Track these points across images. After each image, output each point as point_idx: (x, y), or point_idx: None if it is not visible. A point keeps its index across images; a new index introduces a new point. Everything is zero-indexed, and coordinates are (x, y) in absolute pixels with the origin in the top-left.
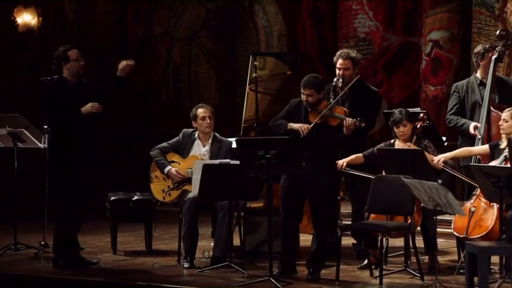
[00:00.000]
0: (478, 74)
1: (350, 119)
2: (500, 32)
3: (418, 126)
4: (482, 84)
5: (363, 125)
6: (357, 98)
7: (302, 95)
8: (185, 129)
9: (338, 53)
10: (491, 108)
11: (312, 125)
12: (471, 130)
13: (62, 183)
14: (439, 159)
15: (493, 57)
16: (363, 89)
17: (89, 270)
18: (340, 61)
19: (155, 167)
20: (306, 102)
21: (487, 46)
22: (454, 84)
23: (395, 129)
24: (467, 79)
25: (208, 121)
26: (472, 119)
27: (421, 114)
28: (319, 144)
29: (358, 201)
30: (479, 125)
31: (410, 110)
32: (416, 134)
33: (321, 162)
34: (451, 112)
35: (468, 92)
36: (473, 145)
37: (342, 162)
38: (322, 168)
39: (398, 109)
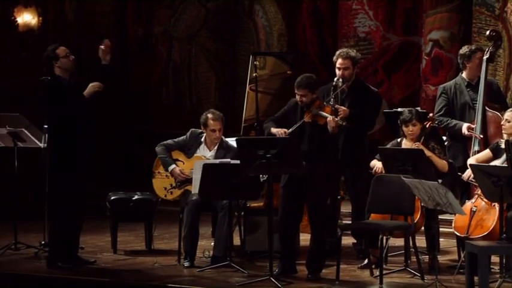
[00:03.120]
0: (464, 75)
1: (332, 117)
2: (490, 32)
3: (427, 126)
4: (469, 85)
5: (344, 123)
6: (357, 98)
7: (296, 95)
8: (193, 129)
9: (337, 52)
10: (487, 108)
11: (289, 130)
12: (464, 131)
13: (60, 183)
14: (468, 175)
15: (485, 58)
16: (362, 89)
17: (89, 270)
18: (339, 60)
19: (159, 163)
20: (301, 102)
21: (473, 48)
22: (441, 86)
23: (404, 128)
24: (454, 80)
25: (217, 134)
26: (462, 120)
27: (431, 114)
28: (312, 143)
29: (358, 201)
30: (472, 125)
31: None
32: (425, 133)
33: (316, 161)
34: (440, 113)
35: (456, 94)
36: (463, 147)
37: (380, 170)
38: (317, 167)
39: (408, 108)
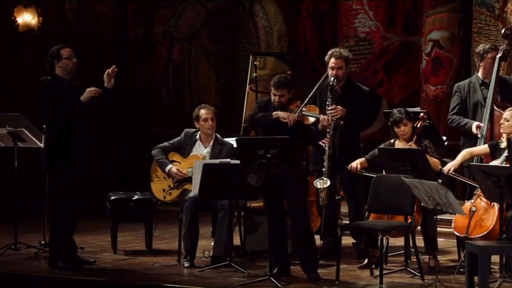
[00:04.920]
0: (480, 74)
1: (325, 116)
2: (505, 31)
3: (418, 125)
4: (483, 84)
5: (341, 122)
6: (350, 97)
7: (273, 96)
8: (187, 129)
9: (330, 52)
10: (495, 107)
11: (297, 114)
12: (473, 129)
13: (59, 183)
14: (449, 168)
15: (498, 56)
16: (354, 88)
17: (89, 270)
18: (332, 60)
19: (156, 166)
20: (278, 102)
21: (487, 47)
22: (456, 84)
23: (395, 129)
24: (469, 79)
25: (210, 123)
26: (474, 118)
27: (421, 114)
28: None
29: (356, 201)
30: (481, 124)
31: (410, 109)
32: (416, 133)
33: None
34: (453, 112)
35: (470, 92)
36: (475, 145)
37: (356, 164)
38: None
39: (397, 109)
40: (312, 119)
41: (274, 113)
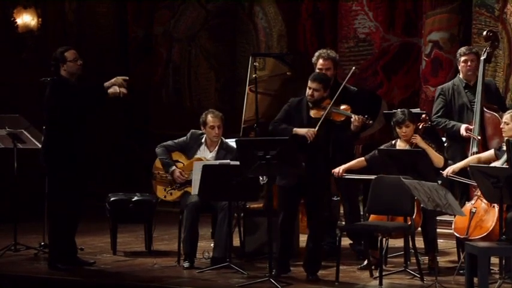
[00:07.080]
0: (461, 76)
1: (358, 115)
2: (487, 33)
3: (420, 127)
4: (467, 86)
5: (370, 122)
6: (341, 98)
7: (308, 89)
8: (193, 130)
9: (317, 53)
10: (485, 109)
11: (316, 128)
12: (462, 132)
13: (57, 182)
14: (447, 171)
15: (482, 58)
16: (343, 89)
17: (89, 271)
18: (320, 61)
19: (159, 164)
20: (311, 97)
21: (461, 50)
22: (439, 87)
23: (397, 130)
24: (452, 81)
25: (217, 131)
26: (460, 121)
27: (423, 115)
28: (320, 142)
29: (350, 203)
30: (471, 126)
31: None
32: (418, 134)
33: (319, 163)
34: (437, 115)
35: (454, 95)
36: (461, 148)
37: (338, 170)
38: (320, 169)
39: (401, 109)
40: (342, 117)
41: (293, 130)
